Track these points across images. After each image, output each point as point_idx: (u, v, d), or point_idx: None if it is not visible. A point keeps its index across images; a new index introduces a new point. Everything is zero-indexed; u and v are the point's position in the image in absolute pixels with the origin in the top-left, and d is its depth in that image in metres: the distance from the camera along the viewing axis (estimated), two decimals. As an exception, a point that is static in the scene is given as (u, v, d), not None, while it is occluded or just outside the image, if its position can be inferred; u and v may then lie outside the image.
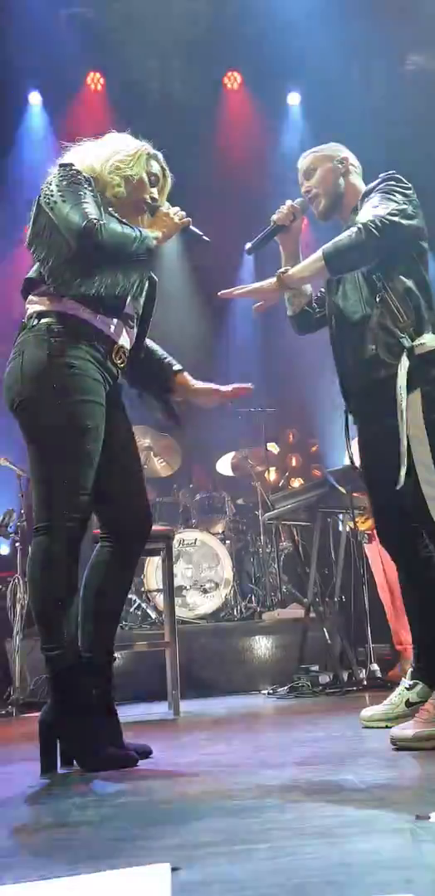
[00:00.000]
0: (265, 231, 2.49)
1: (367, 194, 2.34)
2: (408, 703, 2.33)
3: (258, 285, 2.38)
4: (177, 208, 2.25)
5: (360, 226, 2.19)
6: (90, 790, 1.71)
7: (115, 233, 2.02)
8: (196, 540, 5.36)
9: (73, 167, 2.12)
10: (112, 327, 2.13)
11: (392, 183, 2.29)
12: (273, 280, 2.36)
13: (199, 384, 2.38)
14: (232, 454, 6.22)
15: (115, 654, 2.17)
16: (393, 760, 1.81)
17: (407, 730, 1.94)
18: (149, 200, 2.23)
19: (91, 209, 2.01)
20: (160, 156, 2.30)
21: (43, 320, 2.05)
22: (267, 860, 1.04)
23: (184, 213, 2.25)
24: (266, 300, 2.39)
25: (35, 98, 6.53)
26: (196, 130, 6.50)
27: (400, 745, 1.92)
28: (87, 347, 2.05)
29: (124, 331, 2.19)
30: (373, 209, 2.22)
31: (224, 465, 6.29)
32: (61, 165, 2.13)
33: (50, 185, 2.09)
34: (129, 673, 4.19)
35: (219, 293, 2.40)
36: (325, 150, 2.51)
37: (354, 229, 2.20)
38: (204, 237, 2.30)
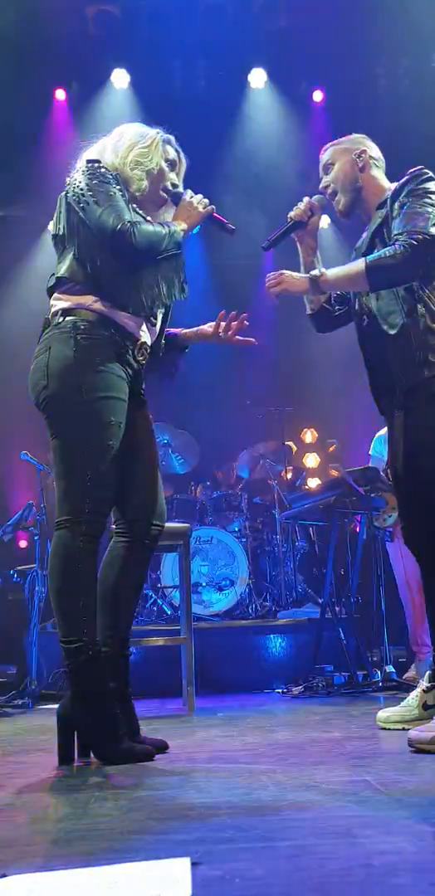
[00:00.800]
0: (282, 228, 2.47)
1: (397, 194, 2.28)
2: (425, 706, 2.31)
3: (290, 283, 2.34)
4: (200, 196, 2.27)
5: (405, 243, 2.12)
6: (108, 783, 1.72)
7: (148, 232, 2.07)
8: (212, 538, 5.37)
9: (101, 164, 2.14)
10: (136, 324, 2.16)
11: (424, 182, 2.23)
12: (304, 278, 2.34)
13: (204, 327, 2.48)
14: (250, 452, 6.22)
15: (131, 649, 2.19)
16: (411, 763, 1.79)
17: (425, 732, 1.93)
18: (170, 187, 2.26)
19: (123, 210, 2.05)
20: (173, 139, 2.32)
21: (69, 318, 2.07)
22: (288, 858, 1.04)
23: (207, 200, 2.27)
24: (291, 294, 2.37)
25: (60, 95, 6.55)
26: (221, 128, 6.49)
27: (417, 748, 1.91)
28: (111, 345, 2.08)
29: (146, 327, 2.21)
30: (412, 219, 2.16)
31: (242, 464, 6.28)
32: (89, 162, 2.14)
33: (79, 183, 2.10)
34: (144, 668, 4.20)
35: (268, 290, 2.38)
36: (344, 144, 2.47)
37: (398, 246, 2.13)
38: (229, 225, 2.32)
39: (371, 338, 2.37)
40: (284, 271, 2.37)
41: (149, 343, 2.23)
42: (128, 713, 2.08)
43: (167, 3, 5.90)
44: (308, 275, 2.33)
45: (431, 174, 2.27)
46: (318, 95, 6.71)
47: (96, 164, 2.13)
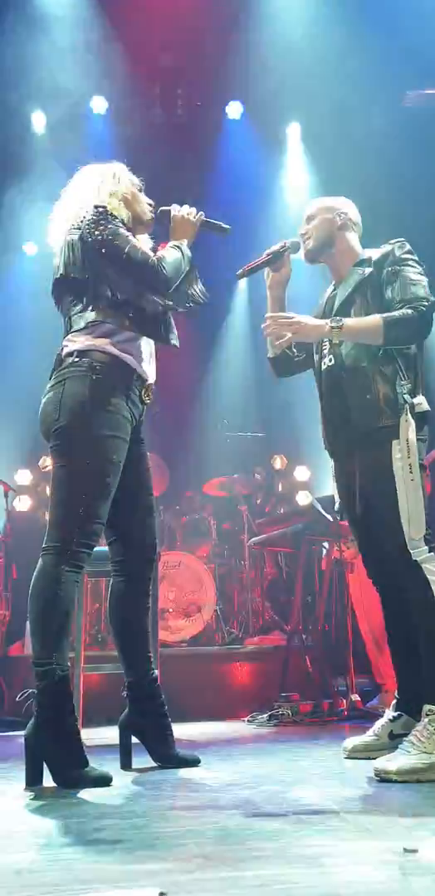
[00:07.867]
0: (258, 260, 2.52)
1: (383, 260, 2.33)
2: (391, 735, 2.32)
3: (304, 329, 2.28)
4: (187, 206, 2.35)
5: (416, 309, 2.20)
6: (71, 812, 1.69)
7: (173, 261, 2.21)
8: (180, 563, 5.33)
9: (108, 208, 2.22)
10: (145, 366, 2.25)
11: (409, 252, 2.33)
12: (321, 325, 2.26)
13: None
14: (220, 478, 6.21)
15: (100, 674, 2.21)
16: (377, 792, 1.80)
17: (390, 762, 1.94)
18: (148, 209, 2.36)
19: (144, 247, 2.17)
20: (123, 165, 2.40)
21: (85, 358, 2.13)
22: (255, 888, 1.04)
23: (194, 209, 2.36)
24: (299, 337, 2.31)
25: (39, 119, 6.55)
26: (198, 158, 6.56)
27: (383, 777, 1.92)
28: (122, 386, 2.17)
29: (154, 366, 2.31)
30: (411, 288, 2.24)
31: (211, 489, 6.27)
32: (96, 207, 2.21)
33: (94, 228, 2.15)
34: (106, 695, 4.13)
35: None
36: (328, 202, 2.56)
37: (407, 310, 2.20)
38: (223, 225, 2.41)
39: (335, 383, 2.39)
40: (297, 316, 2.31)
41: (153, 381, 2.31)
42: (162, 729, 2.25)
43: (146, 32, 5.98)
44: (328, 322, 2.25)
45: (409, 246, 2.36)
46: (294, 129, 6.84)
47: (105, 209, 2.21)
